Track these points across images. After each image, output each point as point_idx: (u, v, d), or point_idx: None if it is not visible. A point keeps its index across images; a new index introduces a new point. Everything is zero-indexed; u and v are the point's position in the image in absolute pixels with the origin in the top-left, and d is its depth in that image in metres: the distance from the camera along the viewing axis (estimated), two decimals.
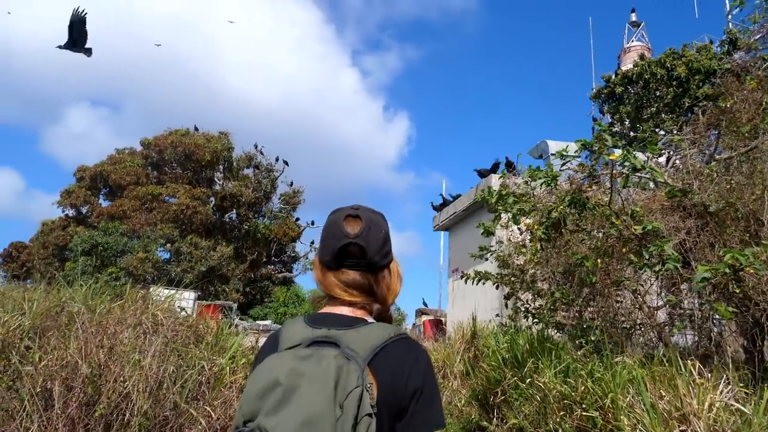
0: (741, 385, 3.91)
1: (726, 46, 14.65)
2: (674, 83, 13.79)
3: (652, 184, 6.36)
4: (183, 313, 6.52)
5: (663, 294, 7.13)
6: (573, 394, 4.58)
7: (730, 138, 5.81)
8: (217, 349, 5.31)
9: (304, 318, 1.30)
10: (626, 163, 4.71)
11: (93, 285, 5.92)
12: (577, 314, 7.57)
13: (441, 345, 10.38)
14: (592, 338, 5.86)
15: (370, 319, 1.30)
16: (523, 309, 8.14)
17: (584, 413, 4.32)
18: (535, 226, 5.12)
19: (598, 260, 5.05)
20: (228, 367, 4.53)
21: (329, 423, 1.04)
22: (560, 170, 4.97)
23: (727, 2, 25.72)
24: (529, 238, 6.28)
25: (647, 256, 5.00)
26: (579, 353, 5.02)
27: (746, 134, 4.98)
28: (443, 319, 17.89)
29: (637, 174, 5.06)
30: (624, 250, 5.11)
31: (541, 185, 4.74)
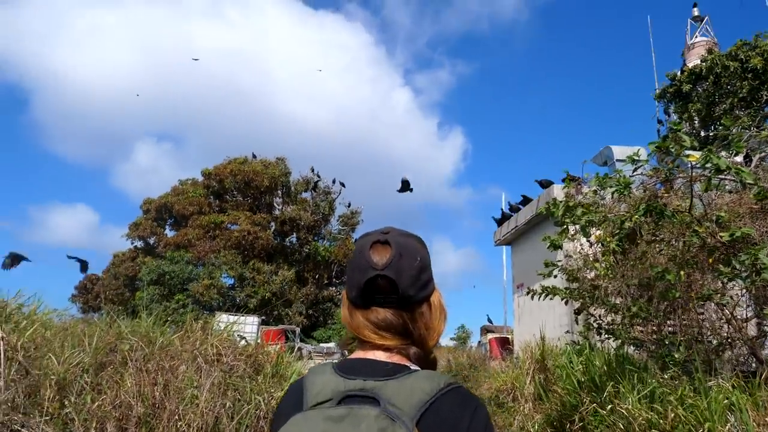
0: None
1: None
2: (749, 76, 12.89)
3: (728, 186, 5.83)
4: (242, 342, 6.42)
5: (751, 306, 6.51)
6: (662, 422, 4.14)
7: None
8: (276, 379, 5.14)
9: (333, 365, 1.08)
10: (708, 165, 4.27)
11: (157, 315, 5.91)
12: (655, 329, 7.02)
13: (509, 365, 9.93)
14: (676, 356, 5.37)
15: (414, 366, 1.07)
16: (595, 325, 7.65)
17: None
18: (608, 238, 4.72)
19: (681, 272, 4.59)
20: None
21: None
22: (631, 176, 4.57)
23: None
24: (600, 250, 5.86)
25: (738, 266, 4.52)
26: (666, 376, 4.56)
27: None
28: (510, 336, 17.29)
29: (719, 176, 4.60)
30: (710, 260, 4.64)
31: (612, 194, 4.37)
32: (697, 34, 27.38)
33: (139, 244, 35.50)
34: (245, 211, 34.53)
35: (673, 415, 4.04)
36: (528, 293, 8.29)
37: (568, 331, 9.75)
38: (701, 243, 4.91)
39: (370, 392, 0.98)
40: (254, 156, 36.34)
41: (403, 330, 1.08)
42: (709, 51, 15.50)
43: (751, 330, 6.47)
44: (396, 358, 1.07)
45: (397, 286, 1.06)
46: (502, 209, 15.88)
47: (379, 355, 1.07)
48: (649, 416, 4.24)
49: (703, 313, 6.48)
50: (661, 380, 4.52)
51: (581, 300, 7.74)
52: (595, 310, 7.59)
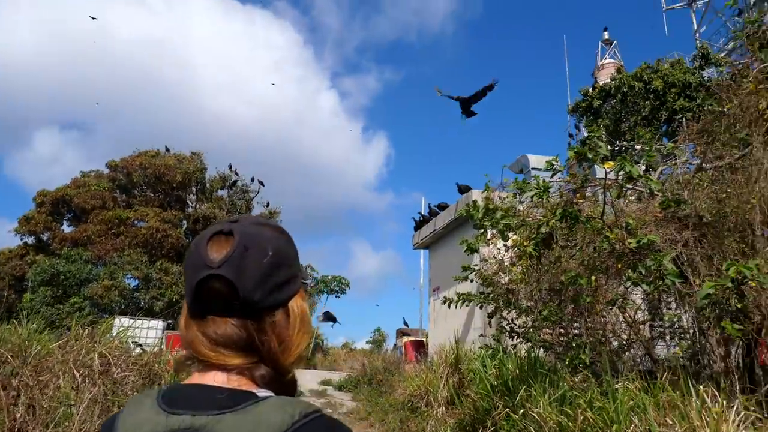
0: (753, 409, 3.57)
1: (698, 61, 14.76)
2: (651, 96, 13.79)
3: (632, 197, 6.10)
4: (137, 350, 5.95)
5: (646, 307, 6.87)
6: (571, 425, 4.20)
7: (719, 147, 5.56)
8: None
9: (157, 394, 0.83)
10: (621, 173, 4.40)
11: (41, 320, 5.35)
12: (563, 332, 7.24)
13: (423, 369, 9.93)
14: (583, 356, 5.53)
15: (262, 392, 0.83)
16: (508, 328, 7.80)
17: None
18: (524, 243, 4.77)
19: (592, 278, 4.71)
20: None
21: None
22: (549, 182, 4.64)
23: (694, 21, 26.27)
24: (515, 254, 5.94)
25: (644, 271, 4.68)
26: (576, 379, 4.65)
27: (741, 140, 4.73)
28: (425, 340, 17.44)
29: (629, 185, 4.76)
30: (619, 265, 4.78)
31: (531, 198, 4.41)
32: (606, 56, 29.10)
33: (30, 240, 32.77)
34: (155, 207, 32.85)
35: (582, 417, 4.10)
36: (444, 302, 8.32)
37: (481, 335, 9.91)
38: (611, 249, 5.07)
39: (199, 431, 0.75)
40: (167, 149, 34.68)
41: (247, 345, 0.84)
42: (618, 71, 16.45)
43: (647, 332, 6.81)
44: (238, 383, 0.83)
45: (236, 289, 0.82)
46: (420, 213, 16.01)
47: (218, 379, 0.83)
48: (560, 419, 4.29)
49: (605, 317, 6.75)
50: (571, 383, 4.60)
51: (495, 304, 7.87)
52: (508, 313, 7.74)
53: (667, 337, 6.96)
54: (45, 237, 33.09)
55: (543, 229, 4.84)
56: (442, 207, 14.04)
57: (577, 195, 4.87)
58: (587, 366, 5.06)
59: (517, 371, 5.59)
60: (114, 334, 6.23)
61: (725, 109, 4.72)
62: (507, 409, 4.89)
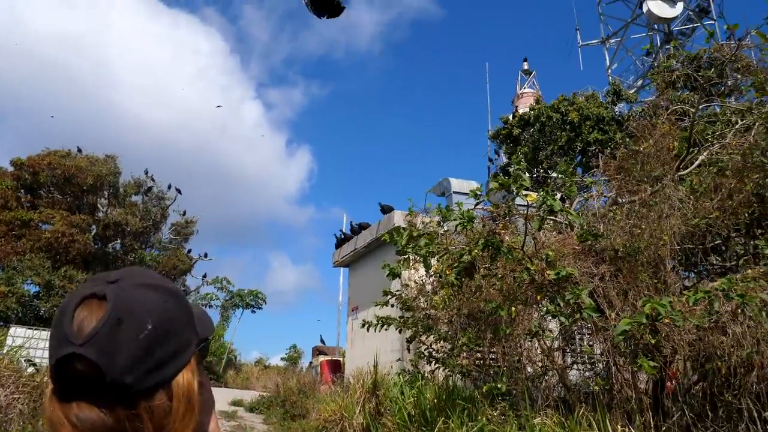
0: None
1: (611, 96, 15.59)
2: (567, 127, 14.39)
3: (549, 225, 6.21)
4: (30, 369, 5.37)
5: (560, 336, 7.01)
6: None
7: (633, 182, 5.76)
8: None
9: None
10: (543, 206, 4.42)
11: None
12: (480, 358, 7.25)
13: (339, 393, 9.67)
14: (500, 385, 5.51)
15: None
16: (426, 353, 7.73)
17: None
18: (447, 271, 4.70)
19: (513, 308, 4.69)
20: None
21: None
22: (471, 210, 4.60)
23: (607, 58, 27.89)
24: (437, 281, 5.88)
25: (562, 304, 4.73)
26: (495, 412, 4.59)
27: (655, 177, 4.91)
28: (342, 360, 17.17)
29: (550, 217, 4.81)
30: (539, 296, 4.80)
31: (456, 226, 4.34)
32: (525, 85, 30.31)
33: None
34: (62, 210, 30.77)
35: None
36: (363, 325, 8.15)
37: (399, 359, 9.80)
38: (530, 279, 5.09)
39: None
40: (79, 150, 32.66)
41: None
42: (537, 101, 17.10)
43: (561, 359, 6.94)
44: None
45: (101, 371, 0.67)
46: (342, 230, 15.83)
47: None
48: None
49: (522, 344, 6.82)
50: (489, 416, 4.53)
51: (414, 329, 7.79)
52: (426, 338, 7.68)
53: (579, 365, 7.11)
54: None
55: (465, 258, 4.79)
56: (364, 227, 13.95)
57: (500, 225, 4.87)
58: (504, 396, 5.03)
59: (435, 401, 5.49)
60: (7, 346, 5.60)
61: (641, 147, 4.89)
62: None
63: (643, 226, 4.97)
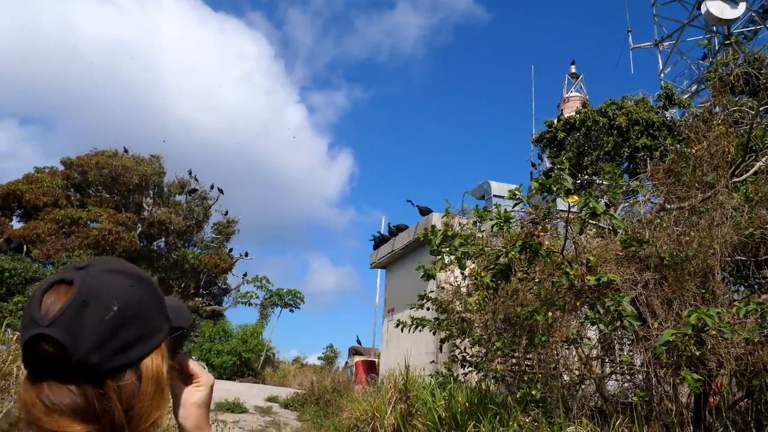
0: None
1: (662, 100, 15.08)
2: (615, 132, 13.99)
3: (592, 231, 6.02)
4: None
5: (599, 344, 6.79)
6: None
7: (682, 188, 5.52)
8: None
9: None
10: (585, 208, 4.27)
11: None
12: (515, 365, 7.10)
13: (372, 393, 9.63)
14: (534, 392, 5.37)
15: None
16: (460, 357, 7.62)
17: None
18: (482, 273, 4.59)
19: (549, 314, 4.55)
20: None
21: None
22: (511, 211, 4.49)
23: (660, 61, 27.11)
24: (472, 284, 5.78)
25: (602, 311, 4.56)
26: (527, 419, 4.46)
27: (706, 183, 4.69)
28: (377, 360, 17.14)
29: (592, 221, 4.65)
30: (578, 303, 4.64)
31: (492, 227, 4.24)
32: (572, 89, 29.71)
33: None
34: (109, 208, 31.78)
35: None
36: (397, 325, 8.11)
37: (433, 361, 9.70)
38: (569, 285, 4.94)
39: None
40: (126, 150, 33.71)
41: (87, 414, 0.72)
42: (583, 105, 16.69)
43: (599, 368, 6.72)
44: None
45: (66, 351, 0.71)
46: (380, 232, 15.80)
47: None
48: None
49: (558, 351, 6.64)
50: (521, 422, 4.40)
51: (448, 331, 7.69)
52: (461, 342, 7.57)
53: (618, 375, 6.88)
54: None
55: (502, 260, 4.67)
56: (401, 228, 13.90)
57: (539, 228, 4.73)
58: (538, 403, 4.89)
59: (467, 404, 5.38)
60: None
61: (693, 150, 4.68)
62: None
63: (693, 234, 4.75)
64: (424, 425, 5.72)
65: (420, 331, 8.22)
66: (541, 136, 17.02)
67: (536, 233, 4.68)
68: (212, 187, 37.09)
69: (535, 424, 4.36)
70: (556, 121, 16.83)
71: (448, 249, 4.54)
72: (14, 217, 31.89)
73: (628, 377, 6.43)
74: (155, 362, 0.79)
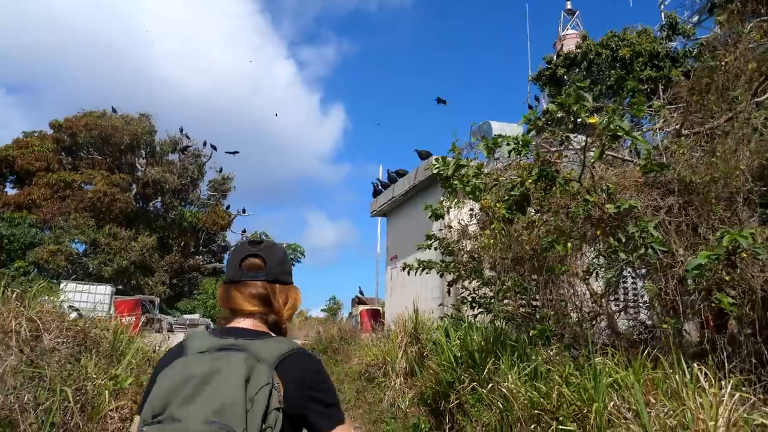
0: (745, 389, 3.28)
1: (666, 30, 14.53)
2: (617, 65, 13.52)
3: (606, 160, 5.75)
4: (73, 314, 5.34)
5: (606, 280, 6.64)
6: (545, 401, 3.86)
7: (703, 110, 5.23)
8: (108, 360, 4.24)
9: (208, 332, 1.40)
10: (605, 131, 4.00)
11: None
12: (525, 303, 6.97)
13: (380, 339, 9.57)
14: (542, 328, 5.24)
15: (272, 334, 1.45)
16: (469, 298, 7.48)
17: (560, 426, 3.60)
18: (497, 205, 4.35)
19: (569, 244, 4.34)
20: (108, 391, 3.45)
21: (240, 413, 1.14)
22: (526, 135, 4.21)
23: None
24: (485, 219, 5.56)
25: (623, 239, 4.35)
26: (550, 352, 4.30)
27: (733, 99, 4.39)
28: (381, 309, 17.16)
29: (611, 148, 4.38)
30: (598, 232, 4.43)
31: (509, 153, 3.97)
32: (568, 26, 28.84)
33: None
34: (102, 170, 31.33)
35: (556, 394, 3.76)
36: (404, 268, 7.95)
37: (441, 304, 9.60)
38: (586, 215, 4.72)
39: (240, 346, 1.29)
40: (114, 110, 32.97)
41: (267, 300, 1.47)
42: (583, 38, 16.11)
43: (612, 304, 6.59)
44: (260, 327, 1.45)
45: (266, 264, 1.47)
46: (379, 179, 15.54)
47: (246, 324, 1.44)
48: (531, 395, 3.95)
49: (570, 288, 6.50)
50: (543, 357, 4.26)
51: (456, 273, 7.53)
52: (469, 283, 7.42)
53: (630, 311, 6.77)
54: None
55: (517, 190, 4.43)
56: (401, 174, 13.61)
57: (555, 156, 4.47)
58: (560, 338, 4.74)
59: (483, 343, 5.24)
60: (60, 299, 5.61)
61: (723, 63, 4.35)
62: (474, 383, 4.52)
63: (716, 155, 4.49)
64: (439, 365, 5.61)
65: (427, 273, 8.06)
66: (539, 74, 16.52)
67: (553, 160, 4.43)
68: (205, 144, 36.55)
69: (557, 358, 4.21)
70: (555, 57, 16.31)
71: (460, 181, 4.29)
72: (7, 184, 31.46)
73: (633, 314, 6.32)
74: (295, 290, 1.55)
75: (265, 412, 1.17)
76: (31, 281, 24.48)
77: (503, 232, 4.64)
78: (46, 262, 24.80)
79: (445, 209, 6.01)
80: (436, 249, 7.35)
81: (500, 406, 4.24)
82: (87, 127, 30.61)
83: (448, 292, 9.88)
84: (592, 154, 4.31)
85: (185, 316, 27.80)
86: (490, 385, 4.32)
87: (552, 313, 5.89)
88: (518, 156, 4.05)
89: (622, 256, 4.46)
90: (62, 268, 25.20)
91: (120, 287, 26.57)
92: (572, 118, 3.79)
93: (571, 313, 6.15)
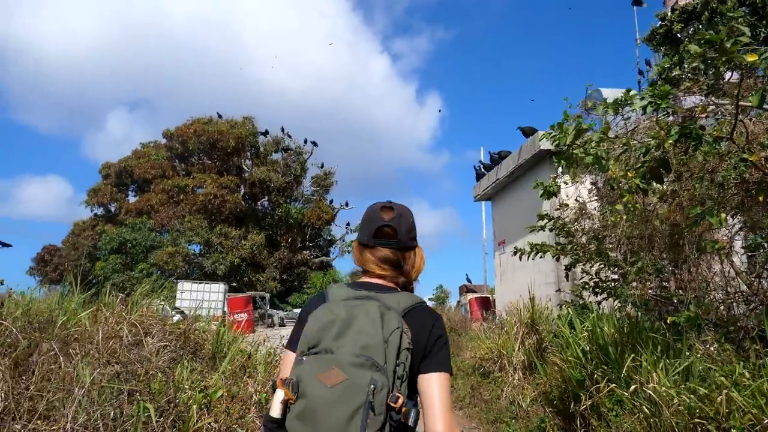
0: None
1: None
2: (747, 11, 11.85)
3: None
4: (176, 317, 5.26)
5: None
6: (707, 409, 3.16)
7: None
8: (209, 364, 4.04)
9: (346, 285, 1.65)
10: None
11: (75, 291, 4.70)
12: (659, 287, 6.11)
13: (493, 329, 8.98)
14: (689, 314, 4.44)
15: (399, 290, 1.63)
16: (591, 283, 6.72)
17: None
18: (629, 173, 3.66)
19: (723, 215, 3.56)
20: (198, 404, 3.18)
21: (381, 349, 1.37)
22: (666, 87, 3.47)
23: None
24: (613, 193, 4.85)
25: None
26: (713, 348, 3.57)
27: None
28: (491, 297, 16.47)
29: None
30: (761, 197, 3.61)
31: (644, 108, 3.27)
32: None
33: (99, 211, 33.68)
34: (212, 174, 32.90)
35: (721, 399, 3.05)
36: (515, 253, 7.33)
37: (558, 290, 8.83)
38: (740, 179, 3.90)
39: (373, 297, 1.51)
40: (219, 116, 34.48)
41: (397, 264, 1.64)
42: None
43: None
44: (388, 284, 1.63)
45: (397, 233, 1.62)
46: (481, 161, 14.82)
47: (378, 281, 1.63)
48: (688, 399, 3.26)
49: (711, 266, 5.59)
50: (700, 352, 3.53)
51: (575, 256, 6.80)
52: (591, 266, 6.67)
53: None
54: (112, 208, 33.93)
55: (651, 156, 3.70)
56: (503, 155, 12.80)
57: (698, 108, 3.69)
58: (718, 327, 3.96)
59: (616, 335, 4.55)
60: (179, 297, 5.54)
61: None
62: (613, 385, 3.86)
63: None
64: (565, 361, 4.97)
65: (541, 257, 7.39)
66: (652, 33, 14.93)
67: (697, 114, 3.66)
68: (305, 141, 37.29)
69: (718, 352, 3.47)
70: (669, 12, 14.68)
71: (582, 149, 3.64)
72: (129, 192, 33.94)
73: None
74: (420, 250, 1.73)
75: (398, 350, 1.38)
76: (154, 281, 26.19)
77: (636, 206, 3.92)
78: (166, 264, 26.39)
79: (559, 185, 5.32)
80: (551, 230, 6.64)
81: (646, 411, 3.57)
82: (196, 133, 32.23)
83: (566, 276, 9.10)
84: (751, 101, 3.51)
85: (296, 310, 28.55)
86: (633, 387, 3.65)
87: (693, 296, 5.06)
88: (654, 113, 3.34)
89: None
90: (180, 269, 26.69)
91: (234, 284, 27.74)
92: (723, 61, 3.03)
93: (715, 296, 5.29)
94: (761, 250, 5.01)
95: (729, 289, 5.40)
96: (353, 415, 1.30)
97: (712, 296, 5.33)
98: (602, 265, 6.31)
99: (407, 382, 1.42)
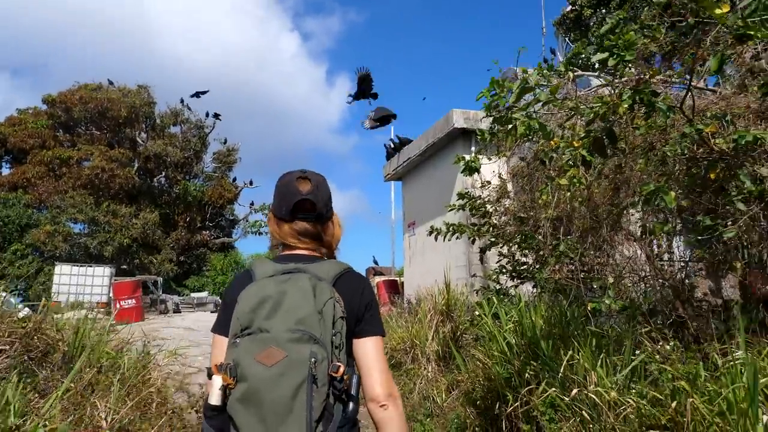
0: None
1: None
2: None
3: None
4: (24, 311, 4.23)
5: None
6: (658, 414, 2.73)
7: None
8: (61, 375, 3.14)
9: (270, 259, 1.61)
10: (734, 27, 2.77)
11: None
12: (581, 270, 5.83)
13: (403, 314, 8.44)
14: (607, 302, 4.11)
15: (325, 258, 1.65)
16: (509, 267, 6.36)
17: None
18: (575, 143, 3.15)
19: (672, 193, 3.13)
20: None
21: (316, 321, 1.38)
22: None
23: None
24: (553, 168, 4.39)
25: (748, 183, 3.18)
26: (668, 346, 3.14)
27: None
28: (399, 280, 16.07)
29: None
30: (712, 175, 3.23)
31: (603, 62, 2.74)
32: None
33: None
34: (101, 145, 30.14)
35: (676, 403, 2.62)
36: (431, 233, 6.83)
37: (474, 275, 8.47)
38: (691, 153, 3.52)
39: (301, 269, 1.50)
40: (110, 82, 31.60)
41: (317, 236, 1.65)
42: None
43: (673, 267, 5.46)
44: (312, 253, 1.64)
45: (315, 207, 1.61)
46: (392, 138, 14.27)
47: (302, 251, 1.63)
48: (640, 405, 2.81)
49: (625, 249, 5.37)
50: (651, 350, 3.11)
51: (492, 237, 6.41)
52: (509, 249, 6.30)
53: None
54: None
55: (596, 125, 3.22)
56: (405, 142, 12.67)
57: (651, 71, 3.24)
58: (653, 316, 3.58)
59: (544, 326, 4.11)
60: (55, 284, 4.42)
61: None
62: (553, 390, 3.36)
63: None
64: (489, 356, 4.47)
65: (457, 238, 6.94)
66: (563, 17, 15.00)
67: (649, 77, 3.20)
68: (207, 114, 35.17)
69: (676, 349, 3.05)
70: None
71: (524, 111, 3.08)
72: (2, 163, 30.41)
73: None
74: (336, 216, 1.74)
75: (333, 320, 1.40)
76: (30, 264, 23.65)
77: (581, 180, 3.45)
78: (44, 244, 23.83)
79: (481, 161, 4.81)
80: (470, 210, 6.18)
81: (585, 416, 3.11)
82: (82, 100, 29.29)
83: (480, 260, 8.76)
84: (708, 64, 3.09)
85: (193, 294, 26.91)
86: (576, 390, 3.17)
87: (611, 280, 4.75)
88: (600, 77, 2.82)
89: (741, 207, 3.26)
90: (61, 250, 24.21)
91: (124, 267, 25.65)
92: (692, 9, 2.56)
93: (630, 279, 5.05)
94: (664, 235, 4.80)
95: (641, 273, 5.18)
96: (297, 390, 1.31)
97: (626, 280, 5.09)
98: (521, 248, 5.95)
99: (344, 349, 1.44)
